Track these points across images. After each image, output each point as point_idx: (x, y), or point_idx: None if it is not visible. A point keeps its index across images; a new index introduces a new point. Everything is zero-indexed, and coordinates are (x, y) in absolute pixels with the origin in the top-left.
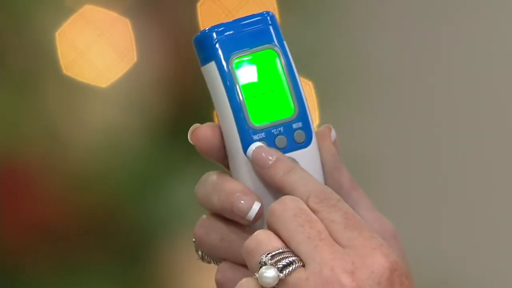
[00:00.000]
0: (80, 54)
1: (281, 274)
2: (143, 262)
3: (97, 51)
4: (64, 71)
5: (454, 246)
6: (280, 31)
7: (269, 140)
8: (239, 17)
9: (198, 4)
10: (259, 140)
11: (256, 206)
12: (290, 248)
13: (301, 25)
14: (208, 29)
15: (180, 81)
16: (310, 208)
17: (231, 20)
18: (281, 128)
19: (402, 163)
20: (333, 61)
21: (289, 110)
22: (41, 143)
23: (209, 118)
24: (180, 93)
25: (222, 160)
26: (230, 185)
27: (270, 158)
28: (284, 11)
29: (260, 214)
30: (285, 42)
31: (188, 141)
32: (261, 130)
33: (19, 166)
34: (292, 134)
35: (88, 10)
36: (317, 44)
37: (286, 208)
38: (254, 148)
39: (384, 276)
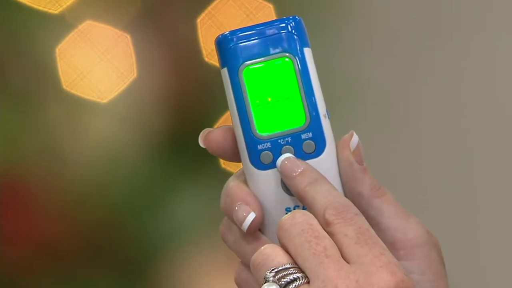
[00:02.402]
0: (80, 70)
1: None
2: (143, 277)
3: (97, 67)
4: (64, 87)
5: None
6: (304, 37)
7: (275, 150)
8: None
9: (198, 20)
10: (264, 150)
11: (250, 217)
12: (297, 264)
13: None
14: (228, 33)
15: (180, 97)
16: (326, 220)
17: (253, 24)
18: (289, 138)
19: (400, 183)
20: (332, 77)
21: (300, 120)
22: (41, 159)
23: None
24: (180, 109)
25: (239, 160)
26: (236, 192)
27: (297, 169)
28: None
29: (255, 225)
30: (306, 50)
31: (188, 156)
32: (267, 140)
33: (19, 182)
34: (300, 144)
35: (88, 26)
36: (316, 61)
37: (294, 223)
38: (283, 158)
39: None
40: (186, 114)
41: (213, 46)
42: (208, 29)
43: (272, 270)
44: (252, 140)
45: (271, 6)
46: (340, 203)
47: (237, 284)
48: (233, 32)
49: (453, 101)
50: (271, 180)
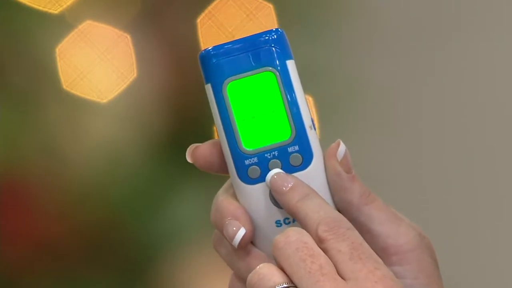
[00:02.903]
0: (80, 70)
1: None
2: (143, 277)
3: (97, 67)
4: (64, 87)
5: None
6: (287, 49)
7: (262, 165)
8: (246, 35)
9: (198, 20)
10: (251, 164)
11: (241, 233)
12: (293, 283)
13: (301, 42)
14: (211, 49)
15: (180, 97)
16: (319, 237)
17: (235, 39)
18: (275, 152)
19: (400, 183)
20: (332, 77)
21: (285, 133)
22: (41, 159)
23: (209, 133)
24: (180, 109)
25: (228, 173)
26: (225, 206)
27: (287, 184)
28: (284, 28)
29: (246, 240)
30: (288, 62)
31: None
32: (254, 155)
33: (19, 182)
34: (287, 158)
35: (88, 26)
36: (316, 60)
37: (288, 241)
38: (272, 174)
39: None
40: (186, 114)
41: None
42: (208, 29)
43: None
44: (239, 155)
45: (271, 6)
46: (332, 218)
47: None
48: (216, 48)
49: (453, 101)
50: (260, 194)
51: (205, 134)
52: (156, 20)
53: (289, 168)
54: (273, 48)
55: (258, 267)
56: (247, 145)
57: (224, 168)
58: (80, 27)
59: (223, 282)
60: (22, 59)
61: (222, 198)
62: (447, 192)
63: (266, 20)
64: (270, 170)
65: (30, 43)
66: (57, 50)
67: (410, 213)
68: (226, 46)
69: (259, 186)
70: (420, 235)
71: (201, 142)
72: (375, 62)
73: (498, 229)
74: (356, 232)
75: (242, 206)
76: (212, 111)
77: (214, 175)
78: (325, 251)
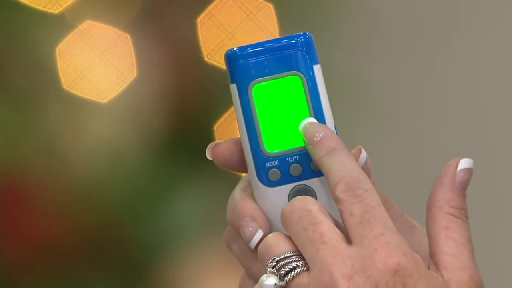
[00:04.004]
0: (80, 70)
1: (281, 282)
2: (143, 277)
3: (97, 67)
4: (64, 87)
5: None
6: (314, 54)
7: (283, 168)
8: (246, 35)
9: (198, 20)
10: (272, 167)
11: (258, 235)
12: (299, 251)
13: None
14: (237, 49)
15: (180, 96)
16: (336, 197)
17: (264, 40)
18: (297, 156)
19: (400, 183)
20: (332, 77)
21: None
22: (41, 159)
23: (209, 133)
24: (180, 109)
25: (247, 171)
26: (243, 207)
27: (317, 135)
28: (284, 28)
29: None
30: (315, 67)
31: (188, 156)
32: (275, 158)
33: (19, 182)
34: (308, 163)
35: (88, 26)
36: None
37: (292, 211)
38: (305, 123)
39: (382, 280)
40: (186, 114)
41: (213, 46)
42: (208, 29)
43: (273, 260)
44: (260, 157)
45: (271, 6)
46: (351, 177)
47: None
48: (242, 48)
49: (453, 101)
50: (279, 197)
51: (205, 134)
52: (156, 20)
53: (309, 173)
54: (300, 52)
55: (266, 237)
56: (269, 147)
57: (243, 168)
58: (80, 27)
59: (223, 282)
60: (22, 59)
61: (240, 198)
62: None
63: (266, 20)
64: (290, 174)
65: (30, 43)
66: (57, 50)
67: (410, 214)
68: (253, 48)
69: (279, 189)
70: None
71: (201, 142)
72: (375, 62)
73: (498, 229)
74: (374, 194)
75: (259, 207)
76: (236, 111)
77: (214, 176)
78: (340, 212)
